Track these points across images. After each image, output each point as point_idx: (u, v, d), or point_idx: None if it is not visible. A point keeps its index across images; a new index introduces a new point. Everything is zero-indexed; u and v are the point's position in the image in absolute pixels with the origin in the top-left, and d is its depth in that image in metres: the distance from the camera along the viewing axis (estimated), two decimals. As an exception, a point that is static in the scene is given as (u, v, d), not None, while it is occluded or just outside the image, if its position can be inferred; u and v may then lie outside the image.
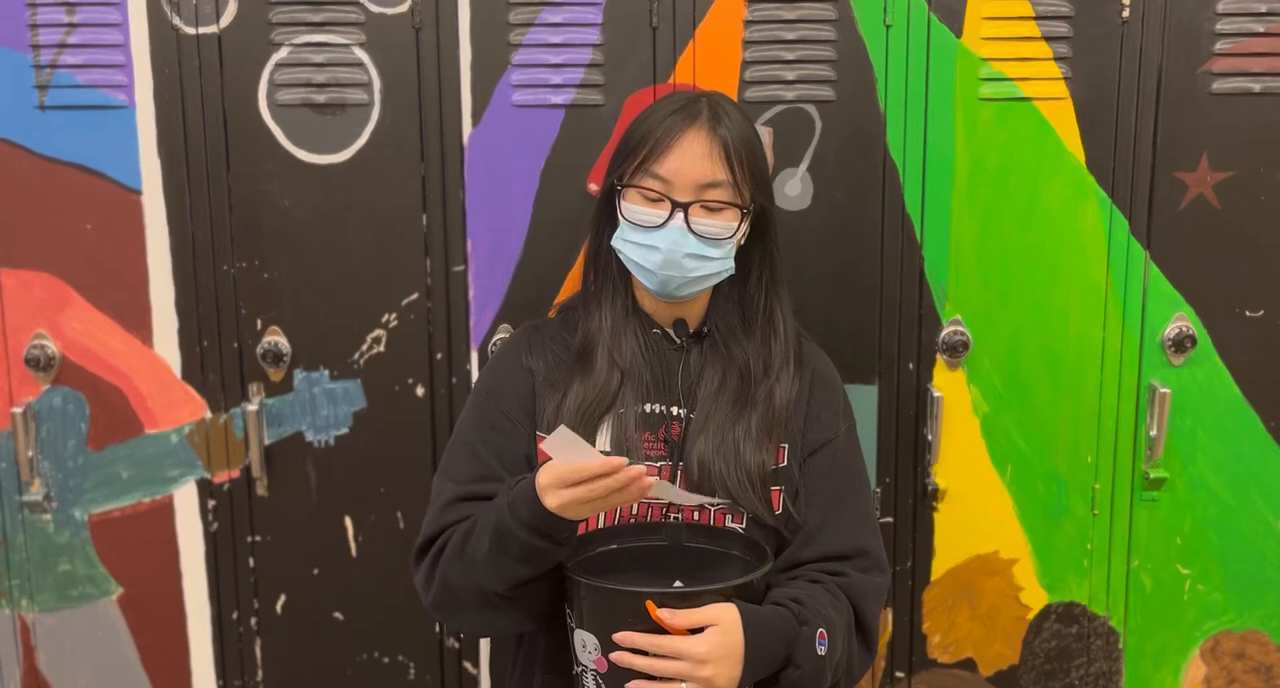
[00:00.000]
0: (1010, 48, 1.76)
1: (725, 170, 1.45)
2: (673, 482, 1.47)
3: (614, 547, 1.44)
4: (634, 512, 1.48)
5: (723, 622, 1.29)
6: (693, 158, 1.45)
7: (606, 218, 1.53)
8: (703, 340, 1.54)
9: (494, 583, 1.36)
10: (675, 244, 1.44)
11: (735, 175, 1.45)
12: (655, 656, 1.29)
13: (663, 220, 1.45)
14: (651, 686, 1.30)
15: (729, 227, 1.46)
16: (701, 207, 1.45)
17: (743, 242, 1.52)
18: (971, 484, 1.87)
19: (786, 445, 1.50)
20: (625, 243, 1.48)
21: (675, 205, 1.44)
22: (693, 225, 1.44)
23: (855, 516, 1.51)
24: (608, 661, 1.31)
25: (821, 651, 1.36)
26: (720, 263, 1.47)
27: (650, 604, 1.27)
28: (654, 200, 1.46)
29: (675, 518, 1.47)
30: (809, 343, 1.60)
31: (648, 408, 1.50)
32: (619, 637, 1.29)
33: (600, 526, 1.48)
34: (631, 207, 1.48)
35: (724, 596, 1.32)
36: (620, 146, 1.52)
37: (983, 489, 1.87)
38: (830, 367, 1.59)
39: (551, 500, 1.29)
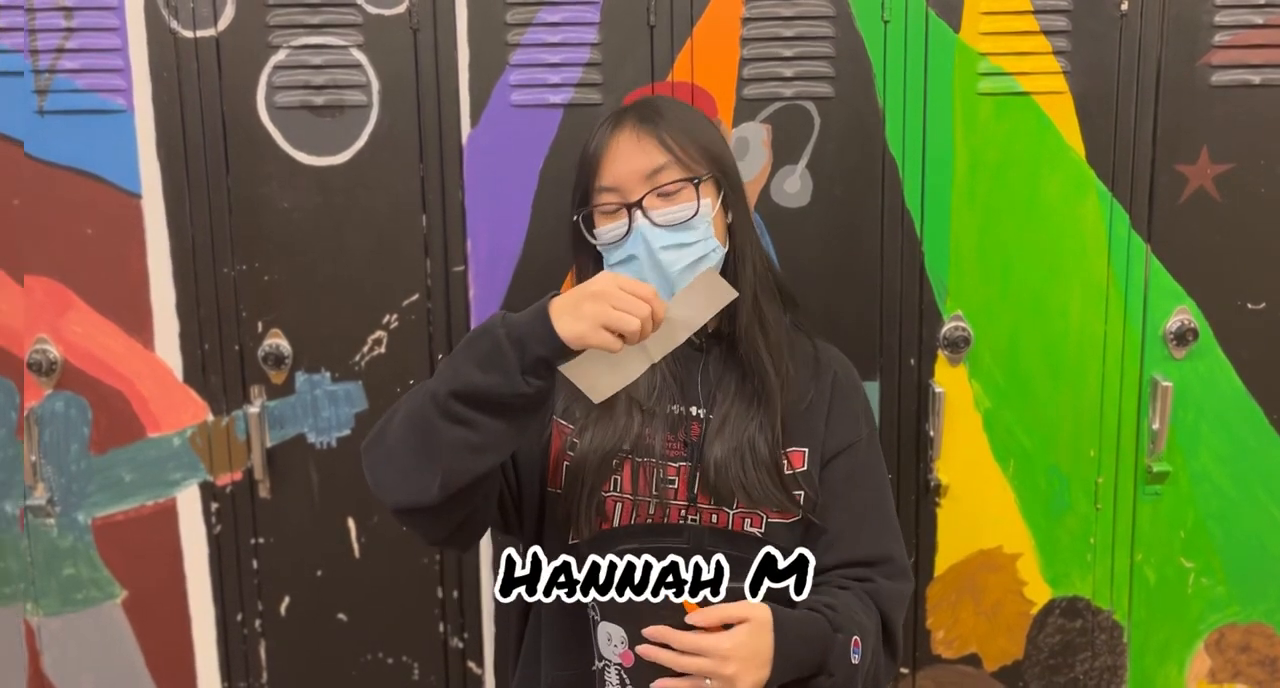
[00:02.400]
0: (1009, 42, 1.74)
1: (663, 152, 1.43)
2: (692, 484, 1.45)
3: (635, 546, 1.42)
4: (650, 513, 1.45)
5: (753, 620, 1.27)
6: (627, 155, 1.43)
7: (582, 249, 1.51)
8: (722, 341, 1.51)
9: (440, 384, 1.26)
10: (647, 245, 1.42)
11: (676, 153, 1.43)
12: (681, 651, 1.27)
13: (626, 229, 1.43)
14: (678, 683, 1.27)
15: (688, 207, 1.43)
16: (655, 195, 1.42)
17: (729, 222, 1.48)
18: (974, 480, 1.86)
19: (806, 450, 1.47)
20: (612, 267, 1.46)
21: (630, 207, 1.42)
22: (652, 217, 1.41)
23: (879, 521, 1.49)
24: (634, 654, 1.28)
25: (855, 659, 1.33)
26: (702, 245, 1.43)
27: (687, 602, 1.25)
28: (612, 213, 1.44)
29: (692, 521, 1.46)
30: (825, 345, 1.57)
31: (671, 409, 1.48)
32: (649, 631, 1.27)
33: (616, 525, 1.46)
34: (598, 229, 1.46)
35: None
36: (576, 178, 1.51)
37: (985, 485, 1.86)
38: (851, 370, 1.56)
39: (577, 295, 1.23)
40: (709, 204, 1.44)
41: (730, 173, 1.50)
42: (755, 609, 1.28)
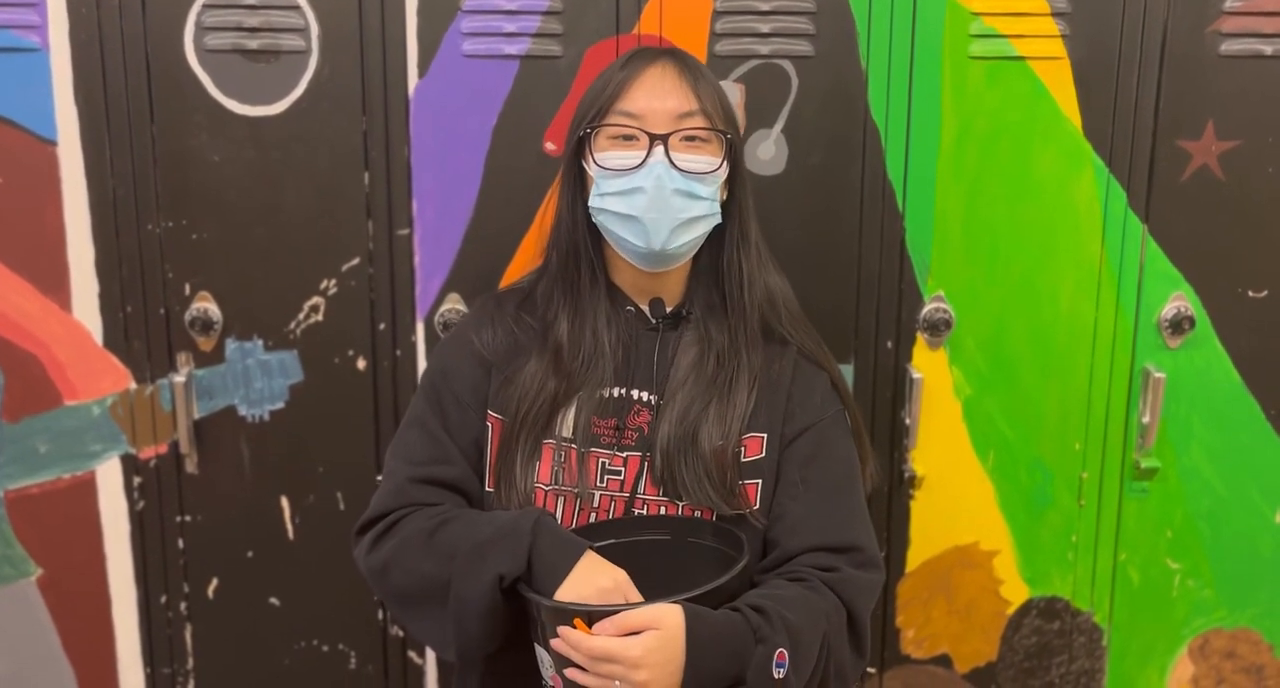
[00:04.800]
0: (1004, 1, 1.66)
1: (696, 100, 1.37)
2: (640, 476, 1.38)
3: (611, 542, 1.36)
4: (595, 507, 1.39)
5: (664, 626, 1.21)
6: (663, 91, 1.37)
7: (575, 184, 1.42)
8: (680, 323, 1.44)
9: (461, 586, 1.30)
10: (660, 181, 1.34)
11: (707, 108, 1.37)
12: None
13: (641, 159, 1.35)
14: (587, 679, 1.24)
15: (712, 161, 1.37)
16: (681, 139, 1.36)
17: (724, 196, 1.42)
18: (951, 471, 1.80)
19: (765, 435, 1.40)
20: (604, 197, 1.37)
21: (653, 139, 1.35)
22: (675, 161, 1.35)
23: (845, 506, 1.41)
24: (563, 677, 1.25)
25: (779, 674, 1.25)
26: (708, 204, 1.38)
27: (579, 621, 1.21)
28: (628, 140, 1.37)
29: (639, 514, 1.39)
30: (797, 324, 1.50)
31: (609, 392, 1.40)
32: (555, 643, 1.22)
33: (593, 520, 1.39)
34: (604, 153, 1.38)
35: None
36: (580, 106, 1.43)
37: (963, 477, 1.80)
38: (818, 347, 1.49)
39: (582, 585, 1.26)
40: (726, 168, 1.39)
41: (739, 140, 1.45)
42: (666, 615, 1.22)
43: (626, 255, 1.40)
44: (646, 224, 1.35)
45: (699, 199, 1.36)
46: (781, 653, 1.25)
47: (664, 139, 1.35)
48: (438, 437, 1.42)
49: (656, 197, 1.34)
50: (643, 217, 1.35)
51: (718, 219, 1.40)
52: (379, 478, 1.75)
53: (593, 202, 1.39)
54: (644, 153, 1.35)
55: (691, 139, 1.37)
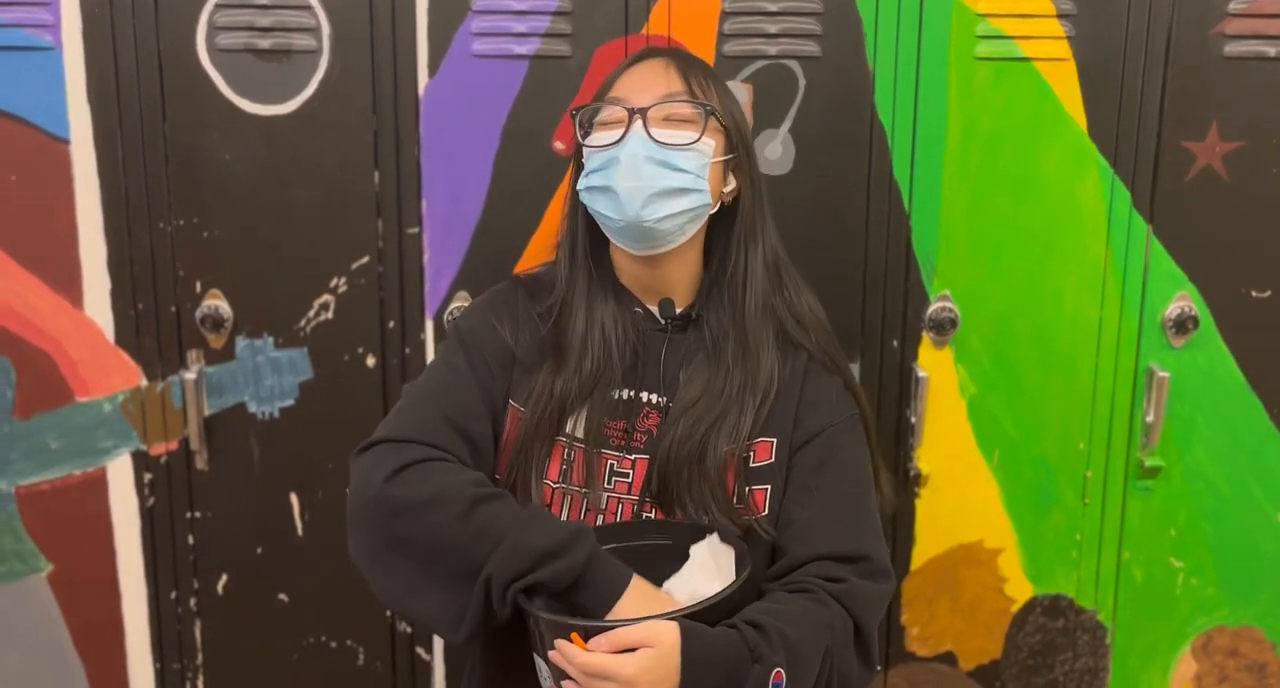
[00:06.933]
0: (1010, 3, 1.67)
1: (682, 83, 1.38)
2: (649, 480, 1.37)
3: (614, 546, 1.34)
4: (602, 509, 1.38)
5: (660, 644, 1.18)
6: (649, 77, 1.39)
7: (577, 184, 1.43)
8: (689, 325, 1.42)
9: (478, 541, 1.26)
10: (634, 151, 1.34)
11: (695, 92, 1.37)
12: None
13: (620, 134, 1.35)
14: None
15: (691, 135, 1.36)
16: (663, 118, 1.36)
17: (730, 190, 1.41)
18: (956, 470, 1.80)
19: (774, 440, 1.38)
20: (588, 175, 1.37)
21: (632, 113, 1.35)
22: (653, 133, 1.34)
23: (856, 515, 1.38)
24: None
25: None
26: (691, 178, 1.34)
27: (576, 636, 1.19)
28: (612, 124, 1.38)
29: (646, 517, 1.38)
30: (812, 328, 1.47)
31: (618, 394, 1.39)
32: (553, 655, 1.21)
33: (600, 521, 1.38)
34: (592, 135, 1.39)
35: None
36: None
37: (968, 475, 1.80)
38: (832, 348, 1.46)
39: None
40: (712, 145, 1.37)
41: (744, 139, 1.43)
42: (662, 633, 1.19)
43: (612, 237, 1.39)
44: (620, 193, 1.33)
45: (678, 170, 1.34)
46: (779, 673, 1.22)
47: (643, 113, 1.35)
48: (469, 387, 1.38)
49: (629, 165, 1.33)
50: (616, 186, 1.33)
51: (705, 198, 1.36)
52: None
53: (579, 184, 1.39)
54: (623, 129, 1.35)
55: (673, 119, 1.36)
